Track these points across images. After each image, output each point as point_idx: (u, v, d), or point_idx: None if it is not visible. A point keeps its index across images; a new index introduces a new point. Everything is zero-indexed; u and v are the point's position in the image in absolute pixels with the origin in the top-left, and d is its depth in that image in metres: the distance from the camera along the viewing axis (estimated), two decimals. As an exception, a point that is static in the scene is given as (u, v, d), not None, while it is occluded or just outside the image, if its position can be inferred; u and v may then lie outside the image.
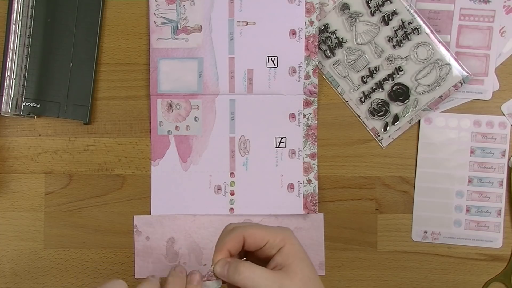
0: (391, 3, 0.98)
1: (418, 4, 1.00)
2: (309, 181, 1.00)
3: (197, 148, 1.01)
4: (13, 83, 0.99)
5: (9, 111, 0.99)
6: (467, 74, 0.98)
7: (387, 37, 0.99)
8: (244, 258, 0.79)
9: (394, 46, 0.99)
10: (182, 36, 1.00)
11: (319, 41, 1.00)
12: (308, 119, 1.00)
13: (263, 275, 0.74)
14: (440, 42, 0.98)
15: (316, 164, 1.01)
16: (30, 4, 0.99)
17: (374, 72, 1.00)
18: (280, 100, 1.00)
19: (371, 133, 1.01)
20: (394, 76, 1.00)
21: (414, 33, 0.99)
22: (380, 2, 0.99)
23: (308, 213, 1.01)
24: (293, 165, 1.01)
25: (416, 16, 0.98)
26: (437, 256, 1.02)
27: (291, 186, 1.01)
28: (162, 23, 1.00)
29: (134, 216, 1.01)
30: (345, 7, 1.00)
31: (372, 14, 0.99)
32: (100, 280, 1.02)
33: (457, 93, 1.00)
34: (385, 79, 1.00)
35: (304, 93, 1.00)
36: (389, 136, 1.01)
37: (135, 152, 1.02)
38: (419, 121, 1.01)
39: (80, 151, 1.02)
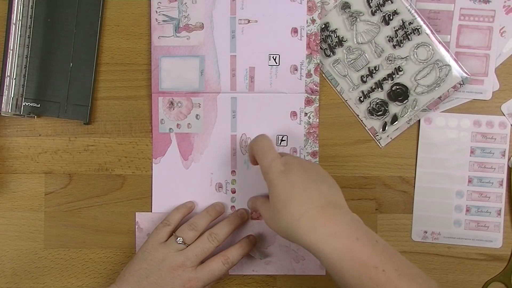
0: (392, 2, 0.99)
1: (418, 4, 1.00)
2: (310, 179, 1.01)
3: (198, 146, 1.01)
4: (13, 83, 0.99)
5: (9, 111, 0.99)
6: (467, 75, 0.98)
7: (387, 37, 1.00)
8: None
9: (394, 46, 1.00)
10: (184, 34, 1.00)
11: (320, 40, 1.00)
12: (309, 118, 1.00)
13: None
14: (440, 42, 0.98)
15: (318, 162, 1.01)
16: (30, 4, 0.99)
17: (374, 71, 1.00)
18: (281, 98, 1.00)
19: (370, 133, 1.01)
20: (394, 76, 1.00)
21: (414, 34, 0.99)
22: (381, 2, 0.99)
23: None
24: (294, 163, 1.01)
25: (416, 16, 0.98)
26: (437, 256, 1.02)
27: (292, 185, 1.01)
28: (163, 21, 1.00)
29: (136, 213, 1.01)
30: (346, 6, 1.00)
31: (373, 13, 0.99)
32: (100, 280, 1.02)
33: (457, 93, 1.00)
34: (384, 79, 1.00)
35: (305, 91, 1.00)
36: (388, 136, 1.01)
37: (135, 152, 1.02)
38: (419, 121, 1.01)
39: (80, 151, 1.02)
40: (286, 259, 1.01)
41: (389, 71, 1.00)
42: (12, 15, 0.99)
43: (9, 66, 0.99)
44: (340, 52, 1.01)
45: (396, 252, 0.78)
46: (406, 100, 1.00)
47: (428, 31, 0.98)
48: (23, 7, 0.99)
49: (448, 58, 0.98)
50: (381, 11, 0.99)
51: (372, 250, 0.77)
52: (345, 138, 1.02)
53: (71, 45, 1.00)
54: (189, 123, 1.01)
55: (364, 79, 1.01)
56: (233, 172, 1.01)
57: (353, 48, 1.00)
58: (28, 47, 0.99)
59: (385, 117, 1.01)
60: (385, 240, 1.00)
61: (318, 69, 1.00)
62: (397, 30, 0.99)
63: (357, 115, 1.01)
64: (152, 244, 0.93)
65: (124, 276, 0.91)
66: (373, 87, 1.01)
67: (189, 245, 0.93)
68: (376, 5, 0.99)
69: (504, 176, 1.01)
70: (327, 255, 0.77)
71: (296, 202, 0.80)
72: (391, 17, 0.99)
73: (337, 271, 0.77)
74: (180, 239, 0.92)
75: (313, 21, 1.00)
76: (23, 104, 0.99)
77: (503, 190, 1.01)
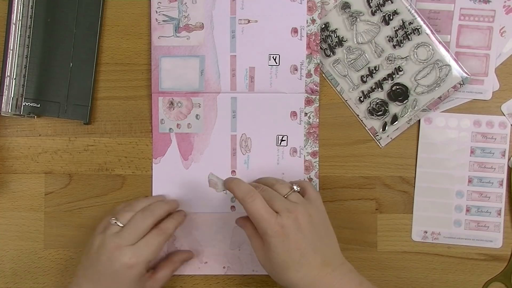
0: (392, 2, 0.99)
1: (418, 4, 1.00)
2: (310, 179, 1.00)
3: (198, 146, 1.01)
4: (13, 83, 0.99)
5: (9, 111, 0.99)
6: (467, 75, 0.98)
7: (387, 37, 1.00)
8: None
9: (394, 46, 1.00)
10: (184, 34, 1.00)
11: (320, 40, 1.00)
12: (309, 118, 1.00)
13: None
14: (440, 42, 0.98)
15: (317, 162, 1.01)
16: (30, 4, 0.99)
17: (374, 71, 1.00)
18: (281, 98, 1.00)
19: (370, 133, 1.01)
20: (394, 76, 1.00)
21: (414, 33, 0.99)
22: (381, 2, 0.99)
23: (308, 212, 1.01)
24: (294, 163, 1.00)
25: (416, 16, 0.98)
26: (437, 256, 1.02)
27: (292, 184, 1.01)
28: (163, 21, 1.00)
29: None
30: (346, 6, 1.00)
31: (373, 13, 0.99)
32: (100, 280, 1.02)
33: (457, 93, 1.00)
34: (384, 79, 1.00)
35: (305, 91, 1.00)
36: (388, 136, 1.01)
37: (135, 152, 1.01)
38: (419, 121, 1.01)
39: (80, 151, 1.02)
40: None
41: (389, 71, 1.00)
42: (12, 15, 0.99)
43: (9, 66, 0.99)
44: (340, 52, 1.01)
45: None
46: (406, 100, 1.00)
47: (428, 31, 0.98)
48: (23, 7, 0.99)
49: (448, 58, 0.98)
50: (381, 11, 0.99)
51: None
52: (345, 138, 1.02)
53: (71, 45, 1.00)
54: (189, 123, 1.01)
55: (364, 79, 1.01)
56: (233, 172, 1.01)
57: (353, 48, 1.00)
58: (28, 47, 0.99)
59: (385, 117, 1.01)
60: (385, 240, 1.01)
61: (318, 69, 1.00)
62: (397, 30, 0.99)
63: (357, 115, 1.01)
64: (93, 237, 0.92)
65: (77, 271, 0.92)
66: (373, 87, 1.01)
67: (124, 225, 0.91)
68: (376, 5, 0.99)
69: (504, 176, 1.01)
70: None
71: (294, 269, 0.85)
72: (391, 17, 0.99)
73: None
74: (113, 220, 0.91)
75: (313, 21, 1.00)
76: (23, 104, 0.99)
77: (503, 190, 1.01)
